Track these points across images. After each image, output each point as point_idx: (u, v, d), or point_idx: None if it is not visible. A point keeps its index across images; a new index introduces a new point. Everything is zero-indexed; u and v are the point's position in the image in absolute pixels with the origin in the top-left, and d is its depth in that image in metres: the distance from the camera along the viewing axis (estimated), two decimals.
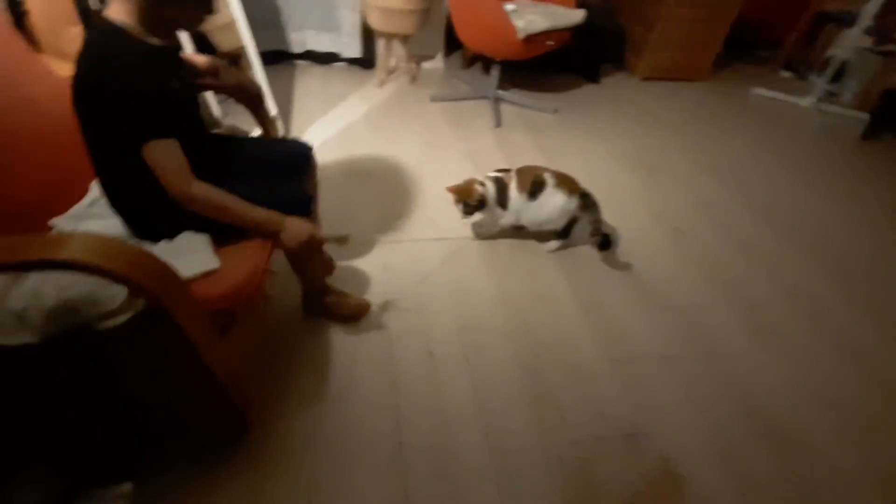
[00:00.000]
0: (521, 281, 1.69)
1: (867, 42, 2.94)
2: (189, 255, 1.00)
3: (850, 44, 2.97)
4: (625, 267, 1.79)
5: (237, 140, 1.29)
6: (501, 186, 1.68)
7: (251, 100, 1.32)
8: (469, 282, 1.67)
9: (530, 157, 2.34)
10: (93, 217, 1.12)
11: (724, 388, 1.42)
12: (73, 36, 1.51)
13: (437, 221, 1.90)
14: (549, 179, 1.67)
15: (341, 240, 1.20)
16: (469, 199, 1.64)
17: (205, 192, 0.97)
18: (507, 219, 1.75)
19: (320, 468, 1.13)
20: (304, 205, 1.17)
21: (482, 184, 1.66)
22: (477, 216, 1.69)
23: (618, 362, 1.45)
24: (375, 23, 2.57)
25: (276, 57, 2.86)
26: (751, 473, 1.23)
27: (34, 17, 1.44)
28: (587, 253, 1.84)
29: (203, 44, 2.23)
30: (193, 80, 1.14)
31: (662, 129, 2.71)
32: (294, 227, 1.07)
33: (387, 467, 1.15)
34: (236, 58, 2.24)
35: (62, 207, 1.14)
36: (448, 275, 1.68)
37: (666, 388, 1.40)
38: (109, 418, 1.01)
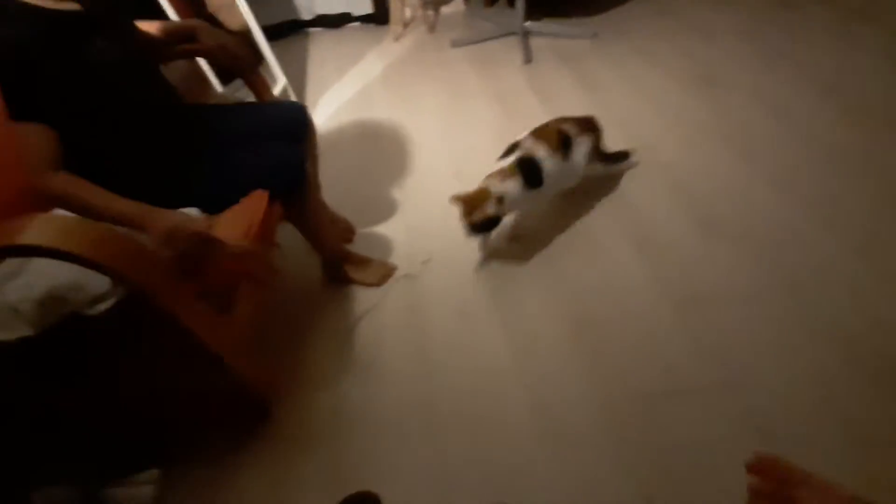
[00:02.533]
0: (559, 226, 1.52)
1: None
2: None
3: None
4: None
5: (224, 108, 1.22)
6: (529, 166, 1.32)
7: (238, 63, 1.23)
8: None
9: (567, 93, 2.11)
10: None
11: (821, 325, 1.18)
12: None
13: (463, 172, 1.75)
14: (570, 128, 1.39)
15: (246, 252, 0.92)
16: (479, 216, 1.25)
17: (62, 186, 0.84)
18: (543, 198, 1.42)
19: (348, 442, 1.07)
20: (294, 168, 1.08)
21: (500, 185, 1.28)
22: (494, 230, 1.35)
23: (683, 306, 1.26)
24: None
25: (290, 28, 2.79)
26: (866, 424, 1.01)
27: None
28: (633, 185, 1.62)
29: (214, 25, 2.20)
30: (152, 47, 1.07)
31: (724, 36, 2.33)
32: (159, 221, 0.86)
33: (420, 436, 1.08)
34: (247, 37, 2.18)
35: None
36: None
37: (745, 332, 1.19)
38: (124, 407, 1.02)
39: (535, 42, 2.47)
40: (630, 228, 1.48)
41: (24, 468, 1.04)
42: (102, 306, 0.83)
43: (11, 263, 0.90)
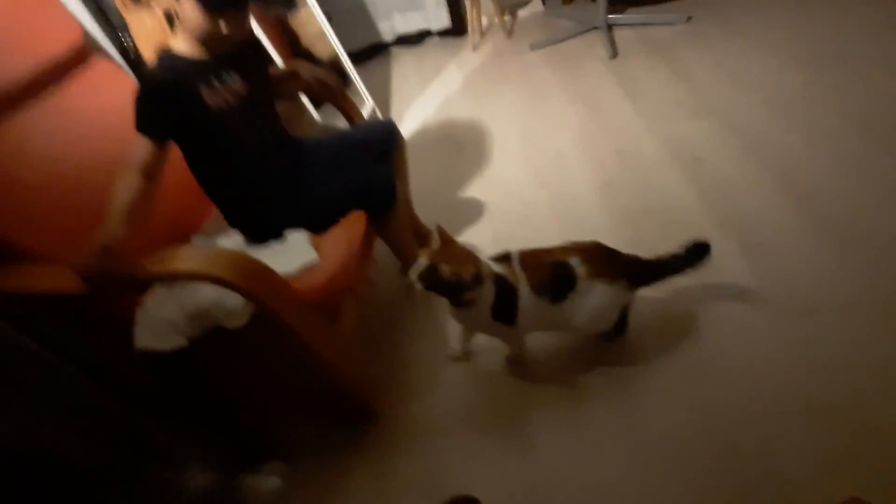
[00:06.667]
0: (652, 214, 1.49)
1: None
2: (291, 253, 1.11)
3: None
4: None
5: (323, 138, 1.38)
6: (505, 289, 1.05)
7: (330, 91, 1.39)
8: None
9: (657, 84, 2.05)
10: (222, 231, 1.31)
11: None
12: None
13: (550, 182, 1.78)
14: (578, 266, 1.05)
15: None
16: (460, 276, 0.99)
17: (117, 181, 0.95)
18: (516, 336, 1.18)
19: (447, 448, 1.16)
20: (386, 190, 1.20)
21: (477, 275, 1.00)
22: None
23: (793, 316, 1.19)
24: None
25: (374, 51, 3.00)
26: None
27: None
28: (738, 182, 1.54)
29: (308, 56, 2.45)
30: (266, 88, 1.26)
31: (845, 7, 2.11)
32: (101, 236, 0.89)
33: (517, 448, 1.13)
34: (336, 64, 2.38)
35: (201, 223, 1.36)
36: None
37: (854, 345, 1.10)
38: (251, 407, 1.19)
39: (621, 34, 2.43)
40: (741, 232, 1.41)
41: (171, 454, 1.26)
42: (239, 321, 1.00)
43: (161, 285, 1.12)
